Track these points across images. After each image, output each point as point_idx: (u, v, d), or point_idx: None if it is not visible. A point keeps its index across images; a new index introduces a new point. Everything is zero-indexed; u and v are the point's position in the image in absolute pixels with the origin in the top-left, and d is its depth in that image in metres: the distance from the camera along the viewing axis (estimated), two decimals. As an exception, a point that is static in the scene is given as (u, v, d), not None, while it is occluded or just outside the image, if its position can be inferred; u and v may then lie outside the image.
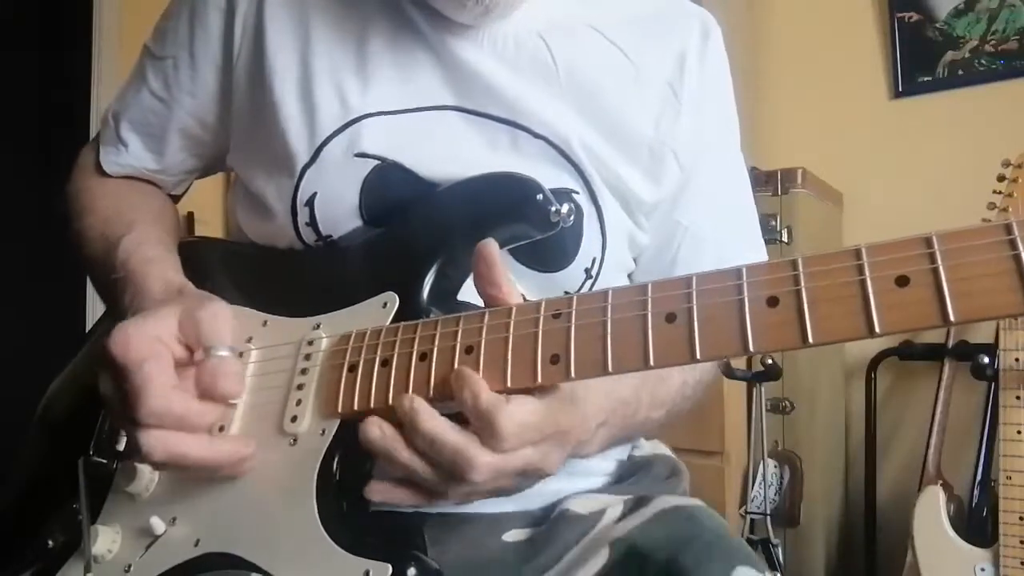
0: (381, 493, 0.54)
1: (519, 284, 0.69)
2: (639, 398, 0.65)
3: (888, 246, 0.41)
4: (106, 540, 0.61)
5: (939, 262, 0.39)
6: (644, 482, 0.76)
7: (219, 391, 0.58)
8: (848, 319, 0.41)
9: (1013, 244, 0.38)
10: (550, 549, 0.66)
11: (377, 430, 0.52)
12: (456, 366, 0.52)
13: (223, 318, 0.60)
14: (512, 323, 0.52)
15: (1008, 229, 0.38)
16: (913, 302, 0.40)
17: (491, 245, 0.55)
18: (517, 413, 0.50)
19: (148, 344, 0.57)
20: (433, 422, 0.51)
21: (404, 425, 0.52)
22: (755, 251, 0.81)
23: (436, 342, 0.54)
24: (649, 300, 0.48)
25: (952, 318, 0.38)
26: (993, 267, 0.38)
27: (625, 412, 0.63)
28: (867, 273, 0.41)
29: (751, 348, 0.44)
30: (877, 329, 0.40)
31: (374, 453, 0.53)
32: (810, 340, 0.42)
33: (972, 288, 0.39)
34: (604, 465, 0.77)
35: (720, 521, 0.67)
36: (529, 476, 0.54)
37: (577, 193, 0.70)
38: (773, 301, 0.44)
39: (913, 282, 0.40)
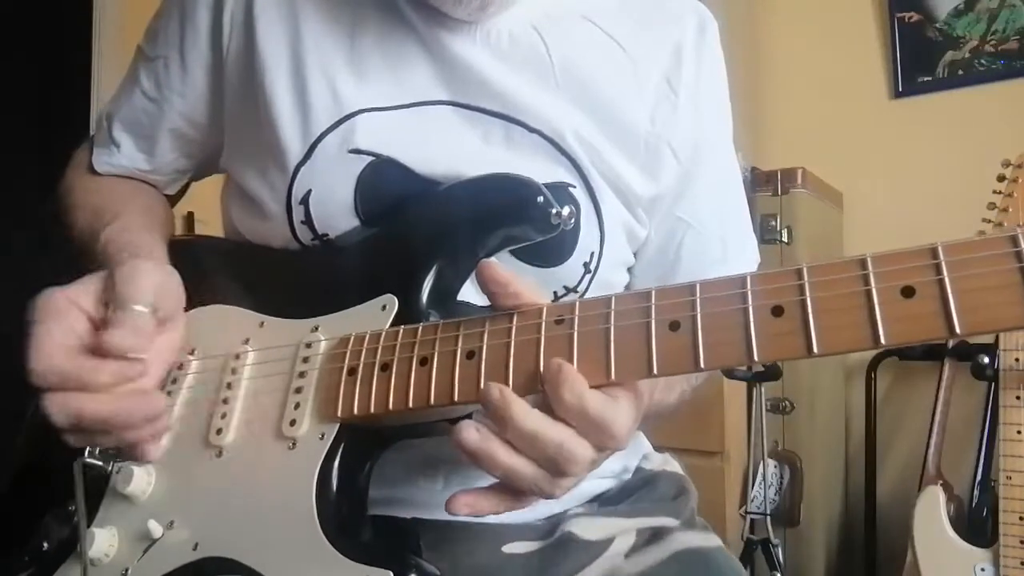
0: (469, 506, 0.50)
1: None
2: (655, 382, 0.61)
3: (894, 256, 0.41)
4: (103, 543, 0.60)
5: (945, 273, 0.39)
6: (648, 501, 0.74)
7: (108, 345, 0.56)
8: (853, 330, 0.41)
9: (1019, 256, 0.38)
10: (555, 570, 0.65)
11: (474, 432, 0.48)
12: (459, 372, 0.51)
13: (141, 274, 0.59)
14: (514, 328, 0.51)
15: (1014, 241, 0.38)
16: (919, 314, 0.39)
17: (492, 267, 0.52)
18: (625, 412, 0.48)
19: (56, 304, 0.56)
20: (532, 418, 0.47)
21: (497, 420, 0.48)
22: (750, 241, 0.82)
23: (436, 347, 0.53)
24: (652, 307, 0.47)
25: (958, 330, 0.38)
26: (999, 279, 0.38)
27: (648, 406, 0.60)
28: (872, 283, 0.41)
29: (755, 357, 0.43)
30: (883, 340, 0.40)
31: (471, 456, 0.48)
32: (815, 351, 0.41)
33: (978, 301, 0.38)
34: (609, 466, 0.75)
35: (739, 569, 0.66)
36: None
37: (574, 187, 0.69)
38: (778, 310, 0.43)
39: (919, 293, 0.40)
